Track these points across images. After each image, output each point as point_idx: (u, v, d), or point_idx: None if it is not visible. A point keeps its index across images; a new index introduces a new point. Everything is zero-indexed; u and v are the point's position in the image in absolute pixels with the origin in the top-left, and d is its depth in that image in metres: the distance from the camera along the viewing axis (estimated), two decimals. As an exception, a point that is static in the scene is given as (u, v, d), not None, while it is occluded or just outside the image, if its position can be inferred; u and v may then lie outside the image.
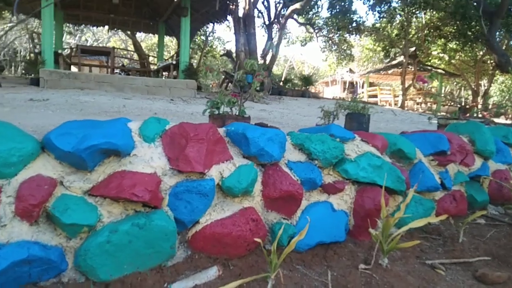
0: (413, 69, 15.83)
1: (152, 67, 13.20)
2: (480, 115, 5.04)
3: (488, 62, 16.30)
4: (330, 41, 18.78)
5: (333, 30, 17.31)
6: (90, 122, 1.67)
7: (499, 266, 2.01)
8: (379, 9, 14.64)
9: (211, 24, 13.11)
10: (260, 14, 15.92)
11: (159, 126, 1.79)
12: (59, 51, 9.08)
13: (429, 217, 2.38)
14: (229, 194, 1.83)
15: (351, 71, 24.11)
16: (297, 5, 13.81)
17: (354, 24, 15.70)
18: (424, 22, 14.94)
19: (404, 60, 15.13)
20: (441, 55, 16.80)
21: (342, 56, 19.14)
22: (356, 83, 22.73)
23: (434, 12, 14.06)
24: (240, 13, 12.20)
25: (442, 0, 12.54)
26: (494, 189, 3.02)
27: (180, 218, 1.68)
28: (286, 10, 14.62)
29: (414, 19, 15.34)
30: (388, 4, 14.39)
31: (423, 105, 15.69)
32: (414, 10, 13.98)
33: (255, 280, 1.58)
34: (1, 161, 1.38)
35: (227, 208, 1.82)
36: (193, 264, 1.70)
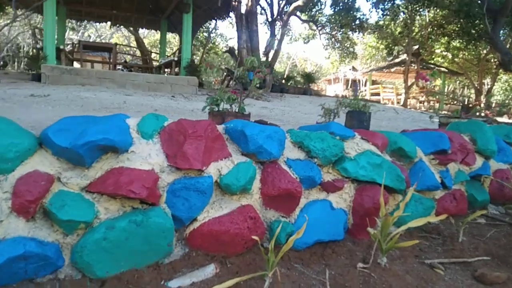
0: (416, 68, 15.76)
1: (154, 63, 13.19)
2: (482, 114, 5.01)
3: (492, 60, 16.20)
4: (333, 39, 18.70)
5: (336, 28, 17.23)
6: (88, 118, 1.67)
7: (499, 266, 1.99)
8: (383, 6, 14.53)
9: (214, 21, 13.09)
10: (262, 11, 15.89)
11: (157, 123, 1.79)
12: (61, 47, 9.08)
13: (428, 216, 2.37)
14: (227, 191, 1.82)
15: (354, 69, 24.05)
16: (300, 2, 13.75)
17: (357, 22, 15.63)
18: (427, 20, 14.84)
19: (407, 58, 15.06)
20: (444, 53, 16.71)
21: (345, 54, 19.03)
22: (359, 81, 22.66)
23: (438, 10, 13.95)
24: (243, 9, 12.17)
25: (446, -2, 12.47)
26: (495, 189, 3.00)
27: (178, 215, 1.68)
28: (289, 7, 14.55)
29: (417, 17, 15.23)
30: (392, 2, 14.29)
31: (425, 103, 15.63)
32: (417, 8, 13.88)
33: (252, 278, 1.57)
34: (-2, 157, 1.38)
35: (225, 205, 1.82)
36: (190, 262, 1.69)
